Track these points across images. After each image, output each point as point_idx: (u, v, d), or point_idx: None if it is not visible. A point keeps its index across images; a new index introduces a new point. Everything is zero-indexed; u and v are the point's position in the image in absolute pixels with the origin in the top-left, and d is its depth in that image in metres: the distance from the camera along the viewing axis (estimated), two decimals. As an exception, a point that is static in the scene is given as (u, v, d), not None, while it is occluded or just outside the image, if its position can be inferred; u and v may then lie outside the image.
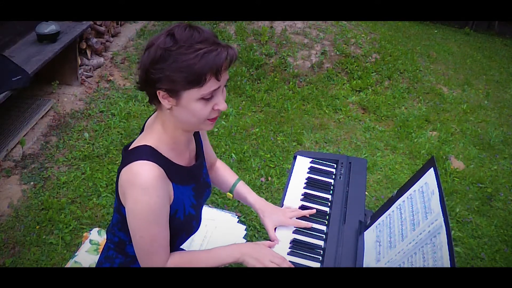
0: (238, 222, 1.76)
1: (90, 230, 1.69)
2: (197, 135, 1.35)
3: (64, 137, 3.07)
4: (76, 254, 1.60)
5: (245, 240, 1.69)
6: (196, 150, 1.33)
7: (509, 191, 3.20)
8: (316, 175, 1.61)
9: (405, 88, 4.47)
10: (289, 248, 1.33)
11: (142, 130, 1.27)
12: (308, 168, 1.64)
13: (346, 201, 1.48)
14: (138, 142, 1.18)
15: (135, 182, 1.09)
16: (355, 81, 4.36)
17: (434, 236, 1.05)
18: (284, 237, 1.36)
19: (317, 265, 1.27)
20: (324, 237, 1.37)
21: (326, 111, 3.92)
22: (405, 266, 1.09)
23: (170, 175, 1.16)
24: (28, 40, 3.30)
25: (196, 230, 1.33)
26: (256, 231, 2.51)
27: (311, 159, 1.69)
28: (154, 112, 1.24)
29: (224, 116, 3.55)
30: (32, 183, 2.65)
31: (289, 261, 1.26)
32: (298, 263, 1.27)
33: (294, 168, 1.65)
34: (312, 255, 1.30)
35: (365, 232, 1.33)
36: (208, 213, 1.76)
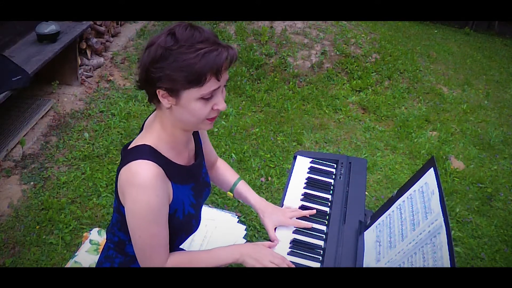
0: (238, 222, 1.76)
1: (90, 230, 1.69)
2: (196, 135, 1.35)
3: (64, 137, 3.07)
4: (76, 254, 1.60)
5: (245, 240, 1.69)
6: (195, 150, 1.33)
7: (509, 191, 3.20)
8: (316, 175, 1.61)
9: (405, 88, 4.47)
10: (289, 248, 1.33)
11: (141, 129, 1.27)
12: (308, 168, 1.64)
13: (346, 201, 1.48)
14: (137, 141, 1.18)
15: (134, 181, 1.09)
16: (355, 81, 4.36)
17: (434, 236, 1.05)
18: (284, 237, 1.36)
19: (317, 265, 1.27)
20: (324, 237, 1.37)
21: (326, 111, 3.92)
22: (405, 266, 1.09)
23: (169, 174, 1.16)
24: (28, 40, 3.30)
25: (196, 230, 1.33)
26: (256, 231, 2.51)
27: (311, 159, 1.69)
28: (153, 111, 1.24)
29: (224, 116, 3.55)
30: (32, 183, 2.65)
31: (289, 261, 1.26)
32: (298, 263, 1.27)
33: (294, 168, 1.65)
34: (312, 255, 1.30)
35: (365, 232, 1.33)
36: (208, 213, 1.76)
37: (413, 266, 1.06)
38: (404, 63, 4.85)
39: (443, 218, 1.06)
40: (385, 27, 6.25)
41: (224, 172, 1.55)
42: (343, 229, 1.37)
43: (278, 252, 1.29)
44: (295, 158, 1.70)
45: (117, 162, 2.88)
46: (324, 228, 1.40)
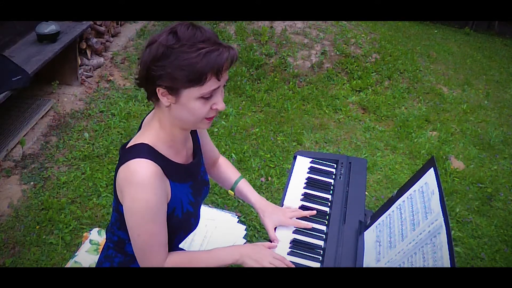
0: (238, 222, 1.76)
1: (90, 230, 1.69)
2: (194, 133, 1.35)
3: (64, 137, 3.07)
4: (76, 254, 1.60)
5: (245, 240, 1.69)
6: (194, 148, 1.33)
7: (509, 191, 3.20)
8: (316, 175, 1.61)
9: (405, 88, 4.47)
10: (289, 248, 1.33)
11: (140, 128, 1.27)
12: (308, 168, 1.64)
13: (346, 201, 1.48)
14: (135, 140, 1.18)
15: (132, 180, 1.10)
16: (355, 81, 4.36)
17: (434, 236, 1.05)
18: (284, 237, 1.36)
19: (317, 265, 1.27)
20: (324, 237, 1.37)
21: (326, 111, 3.92)
22: (405, 266, 1.09)
23: (167, 172, 1.16)
24: (28, 40, 3.30)
25: (195, 228, 1.33)
26: (256, 231, 2.51)
27: (311, 159, 1.69)
28: (152, 110, 1.24)
29: (224, 116, 3.55)
30: (32, 183, 2.65)
31: (289, 261, 1.26)
32: (298, 263, 1.27)
33: (294, 168, 1.65)
34: (312, 255, 1.30)
35: (365, 232, 1.33)
36: (208, 213, 1.76)
37: (413, 266, 1.06)
38: (404, 63, 4.85)
39: (443, 218, 1.06)
40: (385, 27, 6.25)
41: (226, 170, 1.55)
42: (343, 229, 1.37)
43: (278, 252, 1.30)
44: (295, 158, 1.70)
45: (117, 162, 2.88)
46: (324, 228, 1.40)
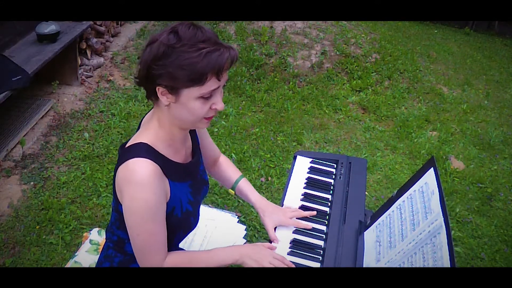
0: (238, 222, 1.76)
1: (90, 230, 1.69)
2: (193, 133, 1.35)
3: (64, 137, 3.07)
4: (76, 254, 1.60)
5: (245, 240, 1.69)
6: (193, 147, 1.33)
7: (509, 191, 3.20)
8: (316, 175, 1.61)
9: (405, 88, 4.47)
10: (289, 248, 1.33)
11: (139, 127, 1.27)
12: (308, 168, 1.64)
13: (346, 201, 1.48)
14: (134, 139, 1.18)
15: (132, 179, 1.10)
16: (355, 81, 4.36)
17: (434, 236, 1.05)
18: (284, 237, 1.36)
19: (317, 265, 1.27)
20: (324, 237, 1.37)
21: (326, 111, 3.92)
22: (405, 266, 1.09)
23: (166, 172, 1.16)
24: (28, 40, 3.30)
25: (194, 227, 1.33)
26: (256, 231, 2.51)
27: (311, 159, 1.69)
28: (151, 109, 1.24)
29: (224, 116, 3.55)
30: (32, 183, 2.65)
31: (289, 261, 1.26)
32: (298, 263, 1.27)
33: (294, 168, 1.65)
34: (312, 255, 1.30)
35: (365, 232, 1.33)
36: (208, 213, 1.76)
37: (413, 266, 1.06)
38: (404, 63, 4.85)
39: (443, 218, 1.06)
40: (385, 27, 6.25)
41: (227, 169, 1.55)
42: (343, 229, 1.37)
43: (278, 252, 1.29)
44: (295, 158, 1.70)
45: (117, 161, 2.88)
46: (324, 228, 1.40)
